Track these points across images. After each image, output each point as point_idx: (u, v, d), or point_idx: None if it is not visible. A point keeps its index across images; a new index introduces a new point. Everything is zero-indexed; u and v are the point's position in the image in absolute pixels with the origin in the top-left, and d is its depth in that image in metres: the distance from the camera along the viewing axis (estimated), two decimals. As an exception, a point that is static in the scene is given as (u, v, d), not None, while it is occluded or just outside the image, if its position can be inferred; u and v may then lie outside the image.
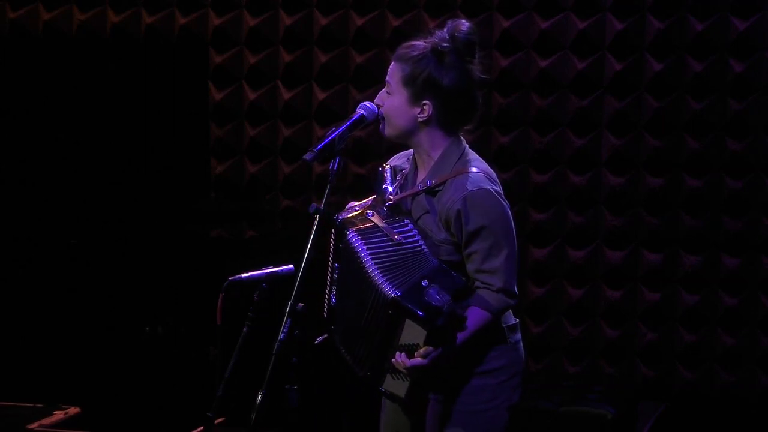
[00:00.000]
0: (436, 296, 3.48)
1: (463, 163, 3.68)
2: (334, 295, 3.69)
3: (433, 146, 3.71)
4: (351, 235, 3.61)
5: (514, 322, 3.78)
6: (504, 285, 3.63)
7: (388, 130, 3.72)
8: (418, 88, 3.65)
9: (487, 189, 3.63)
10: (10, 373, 6.66)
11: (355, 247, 3.59)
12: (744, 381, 6.28)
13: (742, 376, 6.28)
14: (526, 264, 6.45)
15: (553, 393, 5.94)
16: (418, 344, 3.50)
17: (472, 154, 3.74)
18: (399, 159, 3.89)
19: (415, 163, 3.79)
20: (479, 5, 6.45)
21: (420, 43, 3.69)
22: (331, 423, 5.84)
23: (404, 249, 3.61)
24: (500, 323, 3.73)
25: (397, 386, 3.61)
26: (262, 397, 3.52)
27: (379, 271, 3.55)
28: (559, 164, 6.43)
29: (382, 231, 3.62)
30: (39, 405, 6.26)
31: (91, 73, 6.93)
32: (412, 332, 3.50)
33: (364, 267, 3.57)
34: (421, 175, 3.74)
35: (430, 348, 3.49)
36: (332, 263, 3.70)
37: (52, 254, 6.76)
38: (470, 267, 3.65)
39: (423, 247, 3.63)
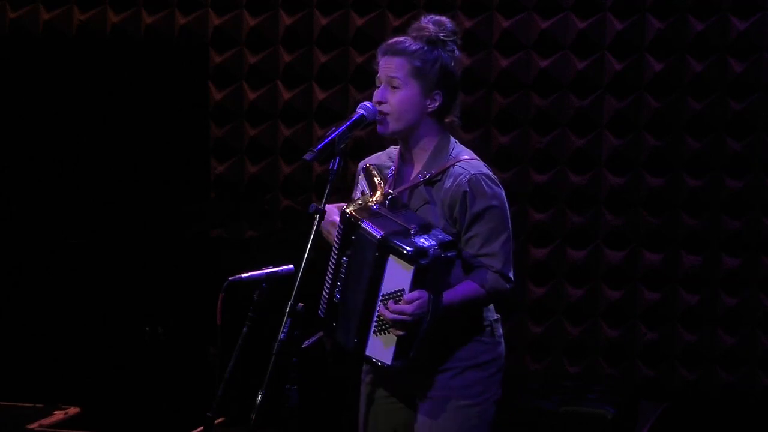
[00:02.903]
0: (423, 241, 3.54)
1: (458, 152, 3.76)
2: (338, 290, 3.67)
3: (429, 139, 3.77)
4: (366, 224, 3.60)
5: (497, 317, 3.83)
6: (502, 268, 3.69)
7: (396, 125, 3.74)
8: (431, 79, 3.71)
9: (488, 174, 3.73)
10: (10, 373, 6.66)
11: (374, 234, 3.57)
12: (744, 381, 6.28)
13: (742, 376, 6.28)
14: (526, 264, 6.46)
15: (553, 393, 5.94)
16: (403, 290, 3.54)
17: (461, 145, 3.81)
18: (378, 158, 3.91)
19: (403, 158, 3.82)
20: (479, 5, 6.45)
21: (407, 39, 3.75)
22: (331, 423, 5.84)
23: None
24: (489, 317, 3.78)
25: (382, 349, 3.61)
26: (262, 397, 3.52)
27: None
28: (559, 164, 6.43)
29: (396, 221, 3.63)
30: (39, 405, 6.25)
31: (91, 73, 6.93)
32: (396, 277, 3.54)
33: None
34: (416, 169, 3.78)
35: (416, 293, 3.52)
36: (338, 258, 3.67)
37: (52, 254, 6.75)
38: (469, 252, 3.69)
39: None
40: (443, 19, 3.80)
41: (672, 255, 6.34)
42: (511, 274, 3.72)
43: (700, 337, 6.32)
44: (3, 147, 7.03)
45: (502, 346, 3.83)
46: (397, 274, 3.55)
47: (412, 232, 3.56)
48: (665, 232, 6.34)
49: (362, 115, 3.73)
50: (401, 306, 3.54)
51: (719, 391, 6.31)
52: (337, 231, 3.66)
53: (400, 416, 3.85)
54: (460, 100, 3.84)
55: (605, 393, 5.97)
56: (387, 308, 3.55)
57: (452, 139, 3.80)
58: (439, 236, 3.60)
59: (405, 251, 3.51)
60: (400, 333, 3.57)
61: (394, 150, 3.89)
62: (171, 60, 6.86)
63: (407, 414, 3.83)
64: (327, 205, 3.77)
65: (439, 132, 3.77)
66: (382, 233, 3.54)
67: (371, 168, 3.82)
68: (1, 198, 7.02)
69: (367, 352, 3.64)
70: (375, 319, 3.60)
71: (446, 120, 3.79)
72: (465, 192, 3.67)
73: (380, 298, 3.58)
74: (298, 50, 6.70)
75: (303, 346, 3.70)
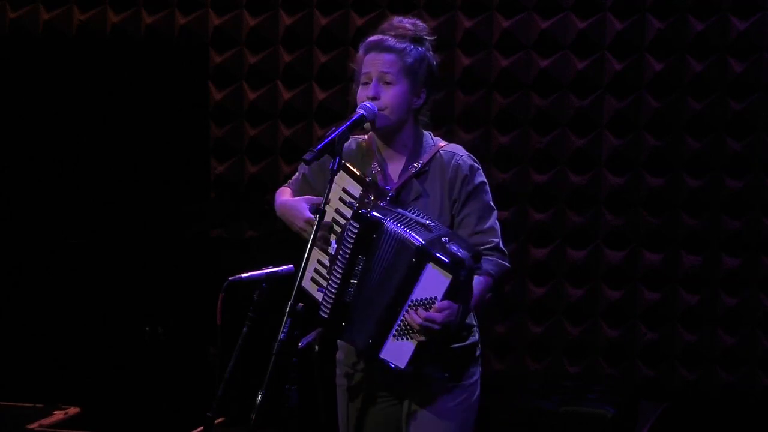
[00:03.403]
0: (456, 250, 3.56)
1: (434, 141, 3.84)
2: (351, 291, 3.66)
3: (409, 135, 3.81)
4: (389, 223, 3.60)
5: None
6: (499, 242, 3.77)
7: (392, 119, 3.76)
8: (420, 77, 3.77)
9: (470, 153, 3.83)
10: (10, 373, 6.66)
11: (412, 240, 3.57)
12: (744, 381, 6.28)
13: (742, 376, 6.29)
14: (526, 264, 6.46)
15: (553, 393, 5.94)
16: (435, 298, 3.55)
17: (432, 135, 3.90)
18: (347, 151, 3.88)
19: (382, 153, 3.83)
20: (479, 5, 6.45)
21: (390, 37, 3.76)
22: (331, 423, 5.84)
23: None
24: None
25: (399, 353, 3.60)
26: (262, 397, 3.52)
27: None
28: (559, 164, 6.43)
29: (411, 218, 3.65)
30: (39, 405, 6.25)
31: (91, 73, 6.93)
32: (431, 285, 3.55)
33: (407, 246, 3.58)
34: (397, 163, 3.81)
35: (446, 303, 3.55)
36: (350, 257, 3.64)
37: (52, 254, 6.76)
38: (464, 232, 3.74)
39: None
40: (415, 19, 3.84)
41: (672, 255, 6.34)
42: (505, 249, 3.80)
43: (700, 337, 6.33)
44: (3, 147, 7.03)
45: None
46: (433, 282, 3.55)
47: (444, 240, 3.58)
48: (665, 232, 6.34)
49: (362, 114, 3.73)
50: (432, 314, 3.55)
51: (719, 391, 6.31)
52: (350, 230, 3.64)
53: (388, 410, 3.85)
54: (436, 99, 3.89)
55: (605, 393, 5.97)
56: (417, 314, 3.56)
57: (425, 132, 3.86)
58: (467, 247, 3.63)
59: (446, 261, 3.52)
60: (423, 339, 3.58)
61: (361, 140, 3.89)
62: (171, 60, 6.86)
63: (396, 407, 3.84)
64: (288, 198, 3.90)
65: (414, 128, 3.83)
66: (421, 239, 3.56)
67: (350, 164, 3.80)
68: (1, 198, 7.02)
69: (382, 355, 3.63)
70: (398, 323, 3.60)
71: (420, 117, 3.85)
72: (466, 176, 3.75)
73: (409, 303, 3.58)
74: (298, 50, 6.70)
75: (300, 346, 3.70)
